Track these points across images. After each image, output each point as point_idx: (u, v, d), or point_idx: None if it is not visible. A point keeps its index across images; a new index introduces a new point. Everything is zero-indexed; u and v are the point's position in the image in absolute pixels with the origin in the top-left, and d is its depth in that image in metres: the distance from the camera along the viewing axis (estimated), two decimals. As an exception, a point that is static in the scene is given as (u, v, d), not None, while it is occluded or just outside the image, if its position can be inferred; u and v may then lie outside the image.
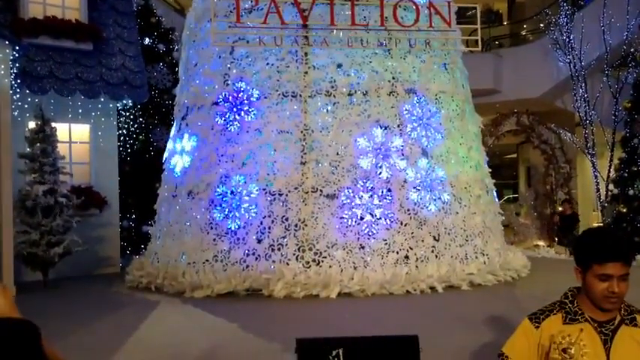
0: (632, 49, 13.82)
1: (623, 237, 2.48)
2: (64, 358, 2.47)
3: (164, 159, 10.28)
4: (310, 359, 3.36)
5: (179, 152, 9.66)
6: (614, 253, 2.29)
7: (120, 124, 12.35)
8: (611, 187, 13.68)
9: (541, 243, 14.15)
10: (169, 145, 10.23)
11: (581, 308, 2.40)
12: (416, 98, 8.98)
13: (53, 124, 9.61)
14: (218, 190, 8.70)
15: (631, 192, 12.37)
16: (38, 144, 9.33)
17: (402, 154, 8.69)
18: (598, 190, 14.56)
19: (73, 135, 11.11)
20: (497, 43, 19.05)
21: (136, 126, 12.83)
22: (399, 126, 8.78)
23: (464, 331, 5.55)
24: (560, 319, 2.41)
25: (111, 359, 4.88)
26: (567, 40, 14.69)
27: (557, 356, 2.37)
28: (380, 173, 8.51)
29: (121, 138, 12.44)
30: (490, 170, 10.30)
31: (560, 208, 14.59)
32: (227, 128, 8.94)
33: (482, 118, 10.61)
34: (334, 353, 3.09)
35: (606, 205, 13.78)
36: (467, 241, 8.82)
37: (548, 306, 2.49)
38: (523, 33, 19.40)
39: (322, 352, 3.16)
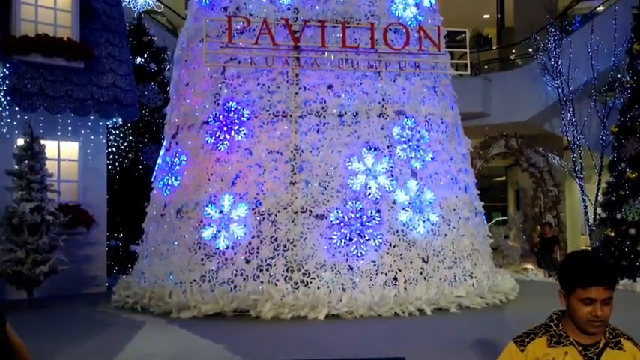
0: (619, 75, 14.03)
1: (606, 261, 2.51)
2: (28, 357, 2.44)
3: (153, 177, 10.25)
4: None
5: (168, 171, 9.64)
6: (597, 277, 2.31)
7: (109, 143, 12.33)
8: (599, 210, 13.78)
9: (529, 266, 14.18)
10: (159, 163, 10.21)
11: (565, 331, 2.40)
12: (405, 120, 9.04)
13: (42, 142, 9.57)
14: (207, 209, 8.67)
15: (618, 216, 12.43)
16: (26, 161, 9.28)
17: (392, 176, 8.72)
18: (586, 213, 14.67)
19: (62, 153, 11.07)
20: (486, 67, 19.31)
21: (125, 144, 12.81)
22: (388, 147, 8.82)
23: (452, 353, 5.53)
24: (545, 342, 2.42)
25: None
26: (555, 65, 14.92)
27: (542, 379, 2.36)
28: (369, 194, 8.52)
29: (111, 156, 12.41)
30: (479, 193, 10.35)
31: (541, 231, 14.67)
32: (217, 147, 8.94)
33: (471, 140, 10.69)
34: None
35: (594, 228, 13.86)
36: (455, 263, 8.83)
37: (534, 329, 2.49)
38: (512, 58, 19.67)
39: (307, 374, 3.13)
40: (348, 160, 8.59)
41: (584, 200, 14.83)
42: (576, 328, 2.38)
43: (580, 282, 2.31)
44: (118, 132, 12.74)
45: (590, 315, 2.30)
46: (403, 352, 3.46)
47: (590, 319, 2.31)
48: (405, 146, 8.91)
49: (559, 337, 2.40)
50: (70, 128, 10.96)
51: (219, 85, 9.21)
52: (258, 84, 8.97)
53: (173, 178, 9.50)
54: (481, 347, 5.46)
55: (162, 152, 10.26)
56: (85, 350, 6.08)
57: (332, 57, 8.91)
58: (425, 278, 8.42)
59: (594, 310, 2.29)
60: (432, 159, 9.11)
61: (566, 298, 2.39)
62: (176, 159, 9.55)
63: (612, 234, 12.29)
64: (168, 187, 9.53)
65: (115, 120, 11.78)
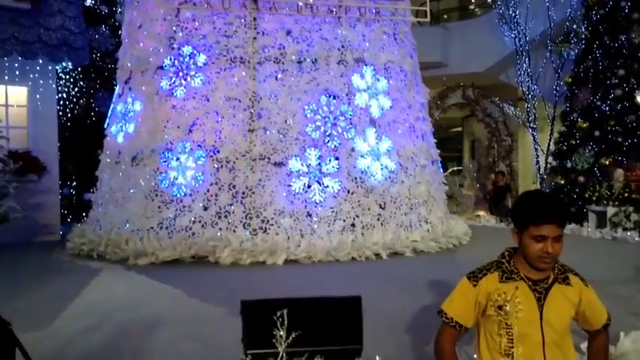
0: (574, 26, 14.22)
1: (558, 200, 2.58)
2: None
3: (106, 124, 9.98)
4: (255, 320, 3.37)
5: (122, 117, 9.39)
6: (549, 215, 2.37)
7: (60, 88, 11.90)
8: (550, 159, 14.19)
9: (482, 213, 14.60)
10: (112, 109, 9.92)
11: (517, 267, 2.48)
12: (365, 67, 9.00)
13: (-12, 86, 9.17)
14: (163, 156, 8.53)
15: (569, 164, 12.85)
16: (-28, 106, 8.89)
17: (351, 123, 8.72)
18: (538, 162, 15.09)
19: (10, 98, 10.65)
20: (445, 16, 19.25)
21: (76, 90, 12.39)
22: (347, 95, 8.79)
23: (406, 293, 5.70)
24: (496, 278, 2.48)
25: (51, 325, 4.77)
26: (513, 15, 14.98)
27: (493, 313, 2.45)
28: (328, 142, 8.53)
29: (61, 102, 11.99)
30: (436, 142, 10.48)
31: (495, 179, 15.06)
32: (172, 94, 8.73)
33: (429, 90, 10.74)
34: (279, 314, 3.11)
35: (545, 177, 14.30)
36: (411, 209, 9.00)
37: (486, 265, 2.56)
38: (471, 7, 19.66)
39: (267, 313, 3.17)
40: (306, 107, 8.53)
41: (536, 149, 15.23)
42: (527, 265, 2.45)
43: (533, 220, 2.37)
44: (68, 77, 12.29)
45: (541, 252, 2.37)
46: (359, 292, 3.53)
47: (541, 256, 2.38)
48: (363, 94, 8.89)
49: (510, 273, 2.47)
50: (17, 72, 10.53)
51: (174, 28, 8.92)
52: (215, 28, 8.73)
53: (127, 124, 9.27)
54: (434, 287, 5.64)
55: (115, 98, 9.97)
56: (40, 296, 6.01)
57: (290, 1, 8.70)
58: (382, 224, 8.57)
59: (545, 247, 2.36)
60: (390, 107, 9.13)
61: (518, 236, 2.45)
62: (130, 105, 9.30)
63: (562, 182, 12.72)
64: (123, 134, 9.30)
65: (64, 64, 11.35)
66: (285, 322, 3.10)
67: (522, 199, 2.52)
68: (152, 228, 8.32)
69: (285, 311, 3.11)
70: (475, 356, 2.87)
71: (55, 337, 4.40)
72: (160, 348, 4.14)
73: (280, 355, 3.08)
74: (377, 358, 3.36)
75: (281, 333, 3.10)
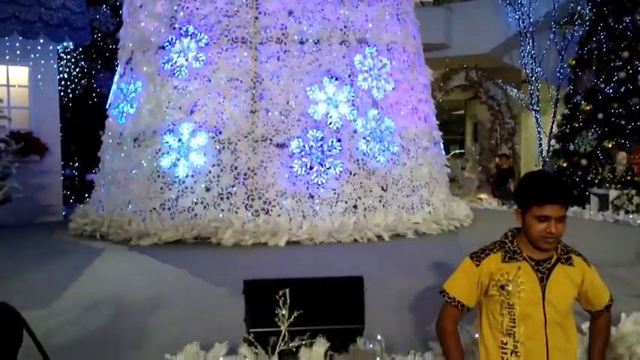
0: (578, 7, 14.08)
1: (562, 180, 2.57)
2: None
3: (108, 105, 9.94)
4: (257, 300, 3.39)
5: (123, 98, 9.36)
6: (553, 196, 2.36)
7: (61, 68, 11.84)
8: (553, 142, 14.15)
9: (484, 196, 14.59)
10: (113, 90, 9.88)
11: (520, 248, 2.48)
12: (367, 48, 8.92)
13: (-11, 66, 9.13)
14: (165, 138, 8.51)
15: (571, 147, 12.82)
16: (-27, 86, 8.87)
17: (353, 105, 8.67)
18: (540, 145, 15.05)
19: (11, 78, 10.62)
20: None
21: (77, 70, 12.34)
22: (349, 76, 8.73)
23: (408, 274, 5.71)
24: (499, 258, 2.49)
25: (54, 304, 4.80)
26: (517, -5, 14.84)
27: (496, 292, 2.46)
28: (330, 123, 8.49)
29: (62, 82, 11.95)
30: (438, 124, 10.44)
31: (498, 162, 15.02)
32: (174, 74, 8.69)
33: (432, 71, 10.67)
34: (281, 293, 3.12)
35: (547, 159, 14.26)
36: (413, 191, 8.99)
37: (489, 245, 2.56)
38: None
39: (269, 292, 3.18)
40: (309, 88, 8.48)
41: (539, 132, 15.18)
42: (530, 245, 2.45)
43: (536, 200, 2.37)
44: (69, 57, 12.23)
45: (544, 232, 2.37)
46: (360, 273, 3.54)
47: (544, 236, 2.38)
48: (366, 75, 8.82)
49: (513, 253, 2.47)
50: (18, 52, 10.48)
51: (175, 8, 8.84)
52: (216, 8, 8.65)
53: (129, 105, 9.24)
54: (436, 268, 5.65)
55: (116, 78, 9.92)
56: (43, 275, 6.03)
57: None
58: (384, 206, 8.57)
59: (548, 227, 2.36)
60: (393, 88, 9.07)
61: (522, 216, 2.45)
62: (131, 85, 9.26)
63: (565, 165, 12.69)
64: (124, 115, 9.28)
65: (65, 44, 11.30)
66: (288, 301, 3.11)
67: (526, 179, 2.51)
68: (154, 209, 8.34)
69: (287, 291, 3.12)
70: (477, 336, 2.89)
71: (58, 317, 4.43)
72: (162, 327, 4.17)
73: (282, 333, 3.10)
74: (379, 337, 3.37)
75: (283, 312, 3.12)
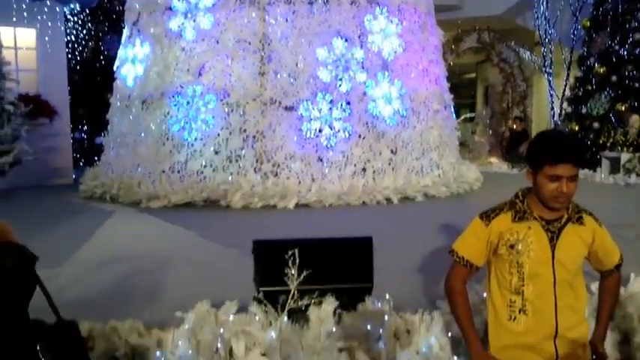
0: (595, -34, 13.70)
1: (575, 139, 2.53)
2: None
3: (115, 67, 9.88)
4: (266, 260, 3.41)
5: (131, 60, 9.29)
6: (565, 155, 2.33)
7: (68, 31, 11.75)
8: (565, 105, 13.98)
9: (494, 159, 14.51)
10: (120, 52, 9.80)
11: (530, 207, 2.46)
12: (378, 8, 8.76)
13: (-4, 27, 9.07)
14: (173, 100, 8.47)
15: (584, 110, 12.66)
16: (-19, 48, 8.83)
17: (363, 67, 8.57)
18: (552, 108, 14.86)
19: (18, 40, 10.55)
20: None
21: (84, 32, 12.24)
22: (359, 37, 8.60)
23: (417, 237, 5.73)
24: (509, 218, 2.47)
25: (66, 264, 4.86)
26: (532, -46, 14.46)
27: (505, 252, 2.45)
28: (339, 85, 8.40)
29: (69, 45, 11.87)
30: (449, 87, 10.31)
31: (511, 125, 14.87)
32: (181, 35, 8.60)
33: (443, 33, 10.48)
34: (290, 253, 3.13)
35: (559, 123, 14.11)
36: (423, 154, 8.94)
37: (499, 205, 2.55)
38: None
39: (278, 252, 3.19)
40: (318, 50, 8.37)
41: (551, 95, 14.97)
42: (541, 205, 2.43)
43: (548, 159, 2.33)
44: (76, 19, 12.12)
45: (555, 191, 2.34)
46: (369, 234, 3.55)
47: (555, 196, 2.35)
48: (376, 36, 8.69)
49: (523, 213, 2.46)
50: (25, 14, 10.41)
51: (182, -33, 8.69)
52: (223, -34, 8.49)
53: (136, 67, 9.18)
54: (445, 230, 5.65)
55: (123, 40, 9.83)
56: (54, 237, 6.09)
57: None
58: (393, 169, 8.54)
59: (560, 186, 2.33)
60: (403, 50, 8.93)
61: (533, 176, 2.42)
62: (138, 47, 9.18)
63: (577, 128, 12.56)
64: (132, 77, 9.23)
65: (72, 6, 11.18)
66: (297, 261, 3.12)
67: (539, 138, 2.48)
68: (164, 172, 8.36)
69: (296, 250, 3.13)
70: (485, 295, 2.90)
71: (68, 276, 4.49)
72: (173, 286, 4.22)
73: (292, 292, 3.12)
74: (387, 295, 3.40)
75: (292, 272, 3.13)
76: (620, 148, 11.54)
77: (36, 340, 1.86)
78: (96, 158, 11.03)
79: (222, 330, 3.13)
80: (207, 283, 4.20)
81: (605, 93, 12.38)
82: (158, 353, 3.02)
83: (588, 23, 13.18)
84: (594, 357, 2.54)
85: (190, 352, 3.02)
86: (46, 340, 1.88)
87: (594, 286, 3.15)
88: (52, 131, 10.76)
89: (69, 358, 1.90)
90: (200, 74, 8.44)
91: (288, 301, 3.14)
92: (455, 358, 3.11)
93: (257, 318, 3.21)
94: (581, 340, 2.47)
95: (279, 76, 8.33)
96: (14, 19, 10.29)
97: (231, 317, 3.24)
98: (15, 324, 1.76)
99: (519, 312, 2.43)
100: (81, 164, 11.70)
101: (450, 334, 3.19)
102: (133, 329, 3.14)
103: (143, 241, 5.90)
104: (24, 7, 10.32)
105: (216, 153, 8.25)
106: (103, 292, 4.14)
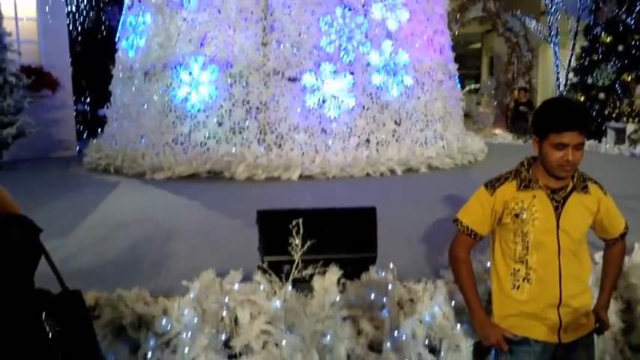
0: None
1: (581, 106, 2.50)
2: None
3: (117, 38, 9.79)
4: (271, 229, 3.41)
5: (133, 31, 9.20)
6: (571, 122, 2.29)
7: (68, 1, 11.62)
8: (571, 76, 13.85)
9: (499, 131, 14.43)
10: (122, 23, 9.70)
11: (535, 176, 2.43)
12: (382, -23, 8.62)
13: (-5, -2, 8.97)
14: (175, 71, 8.41)
15: (590, 80, 12.55)
16: (-19, 18, 8.74)
17: (366, 37, 8.47)
18: (558, 79, 14.73)
19: (19, 11, 10.43)
20: None
21: (85, 2, 12.10)
22: (363, 6, 8.49)
23: (420, 208, 5.73)
24: (514, 186, 2.45)
25: (70, 234, 4.88)
26: None
27: (510, 221, 2.44)
28: (343, 56, 8.32)
29: (70, 16, 11.75)
30: (454, 57, 10.20)
31: (516, 96, 14.74)
32: (183, 5, 8.50)
33: (448, 0, 10.33)
34: (294, 223, 3.14)
35: (565, 93, 13.99)
36: (427, 125, 8.90)
37: (504, 174, 2.52)
38: None
39: (282, 222, 3.20)
40: (321, 19, 8.27)
41: (557, 65, 14.82)
42: (546, 173, 2.41)
43: (554, 126, 2.30)
44: (76, -11, 11.98)
45: (561, 160, 2.31)
46: (373, 205, 3.54)
47: (561, 164, 2.33)
48: (380, 5, 8.57)
49: (529, 182, 2.44)
50: (24, -16, 10.27)
51: None
52: None
53: (138, 38, 9.10)
54: (449, 202, 5.65)
55: (125, 10, 9.72)
56: (59, 207, 6.11)
57: None
58: (397, 140, 8.52)
59: (566, 155, 2.30)
60: (407, 19, 8.82)
61: (539, 144, 2.39)
62: (140, 17, 9.09)
63: (582, 98, 12.46)
64: (134, 48, 9.15)
65: (72, -24, 11.04)
66: (301, 230, 3.13)
67: (545, 106, 2.44)
68: (167, 143, 8.35)
69: (300, 220, 3.13)
70: (489, 264, 2.91)
71: (73, 246, 4.51)
72: (178, 256, 4.24)
73: (296, 262, 3.14)
74: (391, 265, 3.41)
75: (296, 241, 3.14)
76: (625, 119, 11.46)
77: (41, 309, 1.87)
78: (99, 130, 11.02)
79: (227, 299, 3.15)
80: (211, 253, 4.22)
81: (612, 63, 12.25)
82: (164, 321, 3.05)
83: (595, -9, 12.98)
84: (597, 325, 2.55)
85: (196, 320, 3.04)
86: (51, 309, 1.89)
87: (598, 256, 3.15)
88: (54, 103, 10.72)
89: (74, 327, 1.92)
90: (202, 45, 8.37)
91: (293, 271, 3.15)
92: (458, 326, 3.13)
93: (262, 287, 3.22)
94: (584, 309, 2.47)
95: (282, 46, 8.25)
96: (14, -11, 10.18)
97: (236, 286, 3.26)
98: (20, 295, 1.77)
99: (523, 281, 2.43)
100: (84, 136, 11.69)
101: (453, 302, 3.20)
102: (139, 298, 3.16)
103: (148, 212, 5.92)
104: (23, -24, 10.20)
105: (220, 124, 8.22)
106: (108, 262, 4.17)
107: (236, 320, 3.09)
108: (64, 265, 3.44)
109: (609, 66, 12.23)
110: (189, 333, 3.00)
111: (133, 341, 3.05)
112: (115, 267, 4.04)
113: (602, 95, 12.16)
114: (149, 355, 2.98)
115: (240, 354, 2.99)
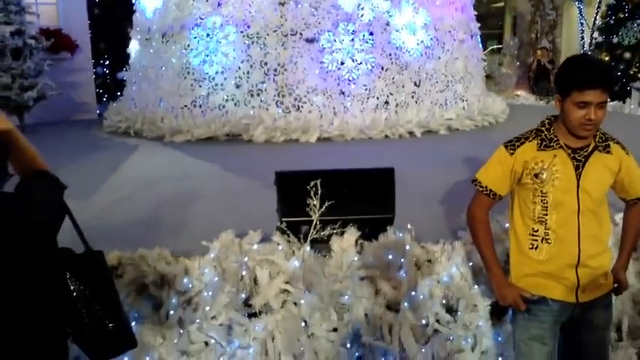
0: None
1: (604, 63, 2.44)
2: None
3: (134, -1, 9.74)
4: (289, 190, 3.44)
5: (150, -9, 9.13)
6: (594, 80, 2.25)
7: (86, -38, 11.53)
8: (595, 34, 13.50)
9: (521, 92, 14.19)
10: (139, -17, 9.62)
11: (556, 135, 2.40)
12: None
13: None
14: (193, 32, 8.36)
15: (615, 40, 12.22)
16: (0, -20, 8.73)
17: (386, -5, 8.30)
18: (582, 38, 14.37)
19: (35, -29, 10.40)
20: None
21: (102, -37, 12.01)
22: (383, -36, 8.29)
23: (439, 169, 5.70)
24: (535, 146, 2.43)
25: (92, 195, 4.96)
26: None
27: (529, 181, 2.42)
28: (362, 15, 8.18)
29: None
30: (476, 15, 9.97)
31: (539, 54, 14.43)
32: (199, -35, 8.38)
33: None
34: (312, 184, 3.14)
35: (589, 52, 13.67)
36: (447, 86, 8.78)
37: (525, 134, 2.50)
38: None
39: (300, 183, 3.21)
40: (339, -23, 8.11)
41: (581, 24, 14.45)
42: (568, 132, 2.38)
43: (577, 84, 2.26)
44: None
45: (583, 118, 2.28)
46: (392, 167, 3.53)
47: (583, 123, 2.29)
48: (400, -38, 8.37)
49: (549, 141, 2.41)
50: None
51: None
52: None
53: (155, -2, 9.02)
54: (468, 163, 5.60)
55: (142, -29, 9.62)
56: (80, 169, 6.17)
57: None
58: (416, 102, 8.42)
59: (588, 113, 2.27)
60: (428, -24, 8.62)
61: (561, 103, 2.36)
62: (157, -22, 9.00)
63: (607, 58, 12.17)
64: (151, 9, 9.09)
65: None
66: (319, 191, 3.14)
67: (567, 63, 2.39)
68: (186, 106, 8.36)
69: (318, 181, 3.14)
70: (507, 225, 2.90)
71: (95, 206, 4.59)
72: (197, 217, 4.30)
73: (314, 223, 3.16)
74: (409, 226, 3.41)
75: (314, 202, 3.15)
76: (651, 79, 11.20)
77: (64, 268, 1.91)
78: (119, 93, 11.05)
79: (246, 259, 3.19)
80: (231, 214, 4.27)
81: (638, 21, 11.90)
82: (186, 280, 3.11)
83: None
84: (616, 285, 2.54)
85: (216, 279, 3.10)
86: (74, 268, 1.93)
87: (618, 217, 3.12)
88: (74, 66, 10.75)
89: (97, 287, 1.96)
90: (219, 5, 8.28)
91: (311, 232, 3.18)
92: (476, 287, 3.15)
93: (280, 247, 3.26)
94: (603, 269, 2.47)
95: (299, 5, 8.13)
96: (31, -50, 10.11)
97: (255, 246, 3.30)
98: (45, 253, 1.80)
99: (542, 241, 2.42)
100: (104, 99, 11.74)
101: (470, 263, 3.21)
102: (160, 257, 3.23)
103: (168, 174, 5.98)
104: (40, -64, 10.13)
105: (238, 87, 8.20)
106: (129, 222, 4.24)
107: (255, 280, 3.14)
108: (87, 225, 3.51)
109: (636, 24, 11.88)
110: (210, 292, 3.06)
111: (156, 299, 3.12)
112: (137, 227, 4.11)
113: (627, 55, 11.86)
114: (171, 312, 3.05)
115: (260, 312, 3.05)
